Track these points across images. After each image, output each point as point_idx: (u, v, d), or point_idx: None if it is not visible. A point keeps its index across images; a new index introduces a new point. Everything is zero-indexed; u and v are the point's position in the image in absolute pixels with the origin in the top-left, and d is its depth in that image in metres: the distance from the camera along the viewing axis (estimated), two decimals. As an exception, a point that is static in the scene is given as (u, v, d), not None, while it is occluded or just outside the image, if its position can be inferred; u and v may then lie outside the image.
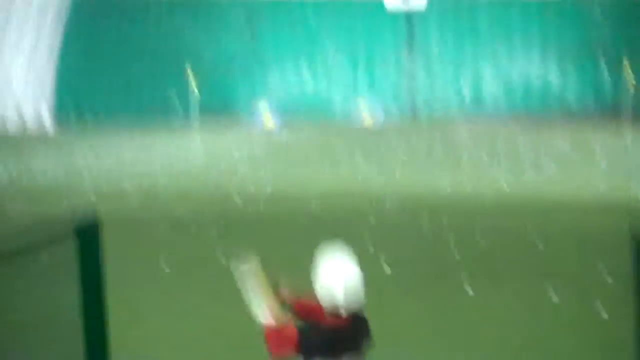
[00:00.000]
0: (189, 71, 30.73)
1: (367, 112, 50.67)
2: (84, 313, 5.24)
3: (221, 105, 50.78)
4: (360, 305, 3.45)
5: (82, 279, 5.12)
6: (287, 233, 11.87)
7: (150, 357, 6.67)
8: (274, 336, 3.42)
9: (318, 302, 3.49)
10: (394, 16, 52.56)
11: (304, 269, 8.52)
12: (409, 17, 52.90)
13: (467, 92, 48.84)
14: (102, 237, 5.30)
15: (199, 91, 38.74)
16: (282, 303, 3.53)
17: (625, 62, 43.04)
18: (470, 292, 8.38)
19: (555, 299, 8.05)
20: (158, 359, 6.70)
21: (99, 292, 5.29)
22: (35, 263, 4.74)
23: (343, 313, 3.39)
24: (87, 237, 5.16)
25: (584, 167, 19.35)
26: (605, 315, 7.45)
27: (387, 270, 9.29)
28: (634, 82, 41.57)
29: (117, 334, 5.65)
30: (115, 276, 6.02)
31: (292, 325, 3.44)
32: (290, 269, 3.52)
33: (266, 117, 42.93)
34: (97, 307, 5.30)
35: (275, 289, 3.55)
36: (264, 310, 3.47)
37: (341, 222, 12.71)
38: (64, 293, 5.14)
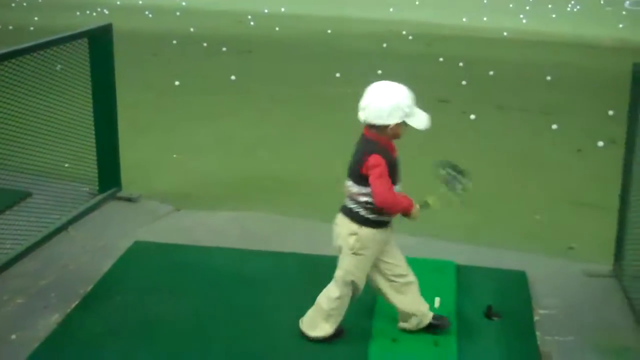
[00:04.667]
0: None
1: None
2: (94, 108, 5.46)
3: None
4: None
5: (94, 76, 5.31)
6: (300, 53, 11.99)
7: (153, 161, 6.98)
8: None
9: None
10: None
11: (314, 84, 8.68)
12: None
13: None
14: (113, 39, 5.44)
15: None
16: None
17: None
18: (473, 117, 8.57)
19: (555, 127, 8.24)
20: (161, 161, 7.00)
21: (109, 88, 5.50)
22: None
23: None
24: (100, 38, 5.31)
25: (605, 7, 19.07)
26: (601, 143, 7.65)
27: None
28: None
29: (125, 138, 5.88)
30: (124, 80, 6.22)
31: None
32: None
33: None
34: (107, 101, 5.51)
35: None
36: None
37: (354, 48, 12.75)
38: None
